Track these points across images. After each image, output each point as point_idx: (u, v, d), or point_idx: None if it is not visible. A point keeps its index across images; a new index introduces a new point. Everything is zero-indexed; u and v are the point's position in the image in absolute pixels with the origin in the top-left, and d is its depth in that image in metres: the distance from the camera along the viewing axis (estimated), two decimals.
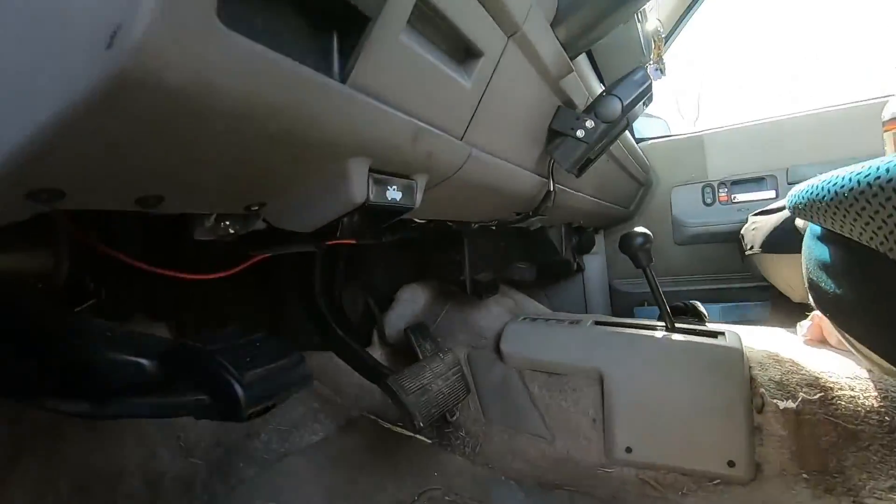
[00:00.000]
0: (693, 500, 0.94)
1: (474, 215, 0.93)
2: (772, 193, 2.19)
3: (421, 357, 1.12)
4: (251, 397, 0.34)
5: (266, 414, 0.39)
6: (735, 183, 2.30)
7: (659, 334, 1.12)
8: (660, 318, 1.28)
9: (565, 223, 1.68)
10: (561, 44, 0.70)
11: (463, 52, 0.54)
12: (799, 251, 1.37)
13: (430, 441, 1.18)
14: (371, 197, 0.48)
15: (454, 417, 1.16)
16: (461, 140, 0.59)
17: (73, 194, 0.33)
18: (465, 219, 0.93)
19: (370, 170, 0.48)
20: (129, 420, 0.79)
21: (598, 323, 1.24)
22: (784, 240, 1.38)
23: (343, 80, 0.37)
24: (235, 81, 0.28)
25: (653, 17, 1.22)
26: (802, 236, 1.31)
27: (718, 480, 0.97)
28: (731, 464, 0.96)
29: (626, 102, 0.81)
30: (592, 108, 0.83)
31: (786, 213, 1.43)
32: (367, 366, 0.97)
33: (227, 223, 0.48)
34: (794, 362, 1.06)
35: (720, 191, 2.32)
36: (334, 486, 0.93)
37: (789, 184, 2.16)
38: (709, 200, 2.35)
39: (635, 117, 0.88)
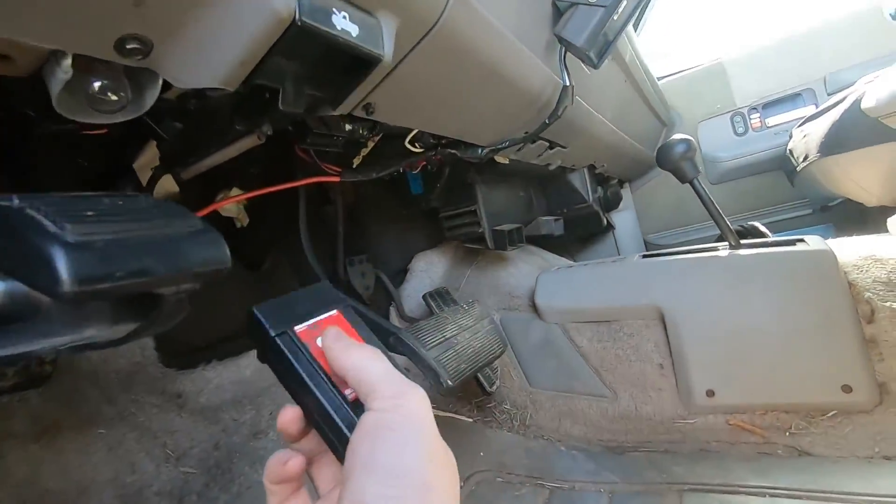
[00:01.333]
0: (808, 440, 0.75)
1: (480, 128, 0.76)
2: (811, 108, 1.96)
3: None
4: (81, 263, 0.18)
5: (155, 321, 0.23)
6: (767, 105, 2.08)
7: (724, 253, 0.93)
8: (719, 240, 1.09)
9: (587, 165, 1.49)
10: None
11: None
12: (869, 143, 1.16)
13: (470, 419, 1.01)
14: (304, 12, 0.32)
15: (494, 387, 0.99)
16: None
17: None
18: (471, 135, 0.76)
19: None
20: (96, 425, 0.64)
21: (645, 256, 1.05)
22: (850, 134, 1.18)
23: None
24: None
25: None
26: (873, 124, 1.11)
27: (834, 412, 0.77)
28: (846, 389, 0.76)
29: None
30: None
31: (844, 106, 1.22)
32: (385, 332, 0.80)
33: (104, 83, 0.32)
34: None
35: (751, 117, 2.11)
36: None
37: (829, 94, 1.93)
38: (740, 130, 2.13)
39: None
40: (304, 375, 0.28)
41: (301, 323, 0.29)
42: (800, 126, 1.60)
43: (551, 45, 0.74)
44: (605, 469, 0.81)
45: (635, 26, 2.15)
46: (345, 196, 1.11)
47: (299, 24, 0.32)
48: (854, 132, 1.17)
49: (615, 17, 0.70)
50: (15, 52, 0.29)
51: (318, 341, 0.29)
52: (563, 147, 1.11)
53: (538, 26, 0.70)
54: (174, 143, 0.59)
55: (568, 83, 0.76)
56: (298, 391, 0.28)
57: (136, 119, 0.53)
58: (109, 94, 0.32)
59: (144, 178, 0.70)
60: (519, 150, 0.98)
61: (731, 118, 2.13)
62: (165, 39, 0.31)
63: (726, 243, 1.00)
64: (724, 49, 2.21)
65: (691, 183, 1.00)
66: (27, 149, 0.55)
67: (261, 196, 0.94)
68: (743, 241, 0.97)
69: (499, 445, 0.91)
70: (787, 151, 1.63)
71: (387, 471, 0.23)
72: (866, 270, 0.84)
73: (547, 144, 1.05)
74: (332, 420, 0.27)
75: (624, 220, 2.32)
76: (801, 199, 1.94)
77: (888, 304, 0.78)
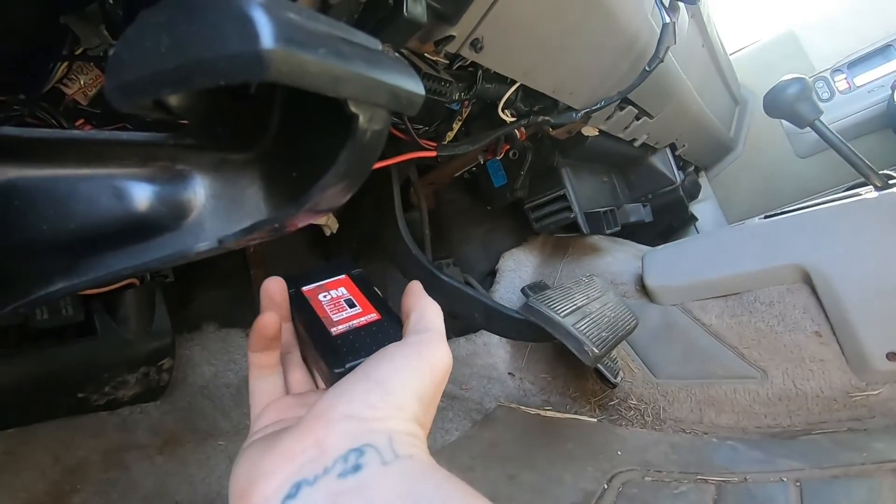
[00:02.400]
0: None
1: (573, 77, 0.70)
2: None
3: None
4: (284, 25, 0.13)
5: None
6: (853, 65, 1.90)
7: (873, 195, 0.80)
8: (853, 188, 0.96)
9: (668, 144, 1.40)
10: None
11: None
12: None
13: (594, 419, 0.90)
14: None
15: (619, 377, 0.88)
16: None
17: None
18: (566, 93, 0.70)
19: None
20: (215, 438, 0.60)
21: (768, 216, 0.93)
22: None
23: None
24: None
25: None
26: None
27: None
28: None
29: None
30: None
31: None
32: (503, 315, 0.71)
33: None
34: None
35: (835, 79, 1.93)
36: (491, 486, 0.68)
37: None
38: (825, 95, 1.95)
39: None
40: (305, 321, 0.33)
41: (310, 284, 0.35)
42: None
43: None
44: (779, 456, 0.68)
45: None
46: (427, 201, 1.07)
47: None
48: None
49: None
50: None
51: (320, 297, 0.34)
52: (650, 117, 1.03)
53: None
54: None
55: (668, 20, 0.69)
56: (304, 335, 0.33)
57: None
58: None
59: None
60: (609, 118, 0.91)
61: (814, 84, 1.96)
62: None
63: (867, 188, 0.87)
64: (790, 17, 2.07)
65: (812, 126, 0.89)
66: None
67: (350, 200, 0.92)
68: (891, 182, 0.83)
69: (636, 443, 0.80)
70: (894, 102, 1.46)
71: (378, 379, 0.25)
72: None
73: (635, 112, 0.97)
74: (326, 349, 0.30)
75: (705, 210, 2.16)
76: None
77: None
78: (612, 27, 0.63)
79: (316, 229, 0.92)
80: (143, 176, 0.23)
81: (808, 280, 0.80)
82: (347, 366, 0.29)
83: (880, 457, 0.60)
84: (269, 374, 0.31)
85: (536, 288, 0.99)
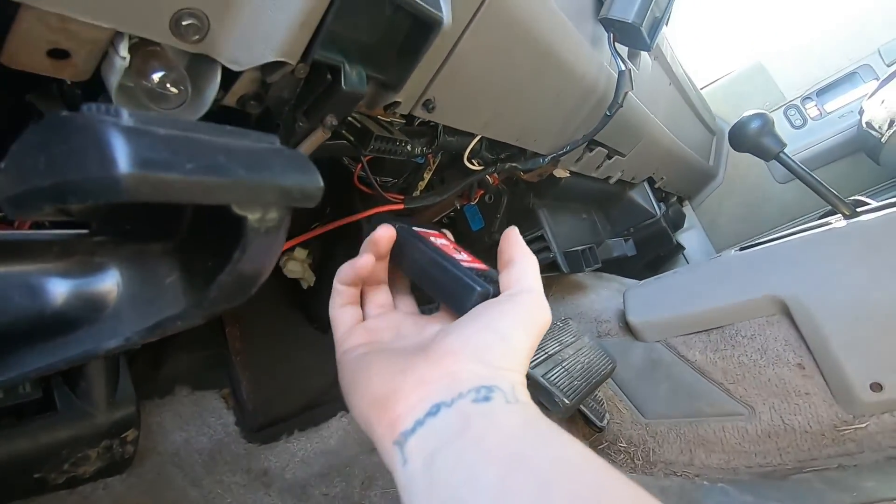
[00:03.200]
0: None
1: (539, 131, 0.72)
2: (873, 85, 1.83)
3: None
4: (141, 145, 0.13)
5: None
6: (821, 92, 1.96)
7: (842, 224, 0.81)
8: (823, 217, 0.97)
9: (646, 178, 1.41)
10: None
11: None
12: None
13: None
14: None
15: (605, 420, 0.86)
16: None
17: None
18: (529, 140, 0.72)
19: None
20: None
21: (743, 248, 0.94)
22: None
23: None
24: None
25: None
26: None
27: None
28: None
29: None
30: None
31: None
32: None
33: (162, 75, 0.30)
34: None
35: (806, 107, 1.98)
36: None
37: (889, 64, 1.81)
38: (798, 122, 2.00)
39: None
40: (429, 250, 0.36)
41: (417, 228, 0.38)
42: (870, 97, 1.48)
43: (598, 35, 0.71)
44: (770, 499, 0.66)
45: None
46: None
47: None
48: None
49: None
50: (72, 44, 0.27)
51: (431, 238, 0.38)
52: (622, 155, 1.05)
53: (583, 15, 0.67)
54: None
55: (624, 67, 0.71)
56: (425, 265, 0.36)
57: None
58: (169, 86, 0.30)
59: None
60: (578, 160, 0.93)
61: (785, 112, 2.01)
62: (221, 12, 0.29)
63: (836, 216, 0.88)
64: (758, 49, 2.15)
65: (777, 158, 0.91)
66: None
67: (326, 254, 0.92)
68: (859, 209, 0.84)
69: None
70: (864, 126, 1.50)
71: (506, 333, 0.28)
72: None
73: (605, 153, 0.99)
74: (465, 273, 0.33)
75: (691, 239, 2.17)
76: (892, 177, 1.76)
77: None
78: (567, 76, 0.65)
79: (293, 283, 0.91)
80: (59, 271, 0.23)
81: (786, 311, 0.80)
82: (493, 291, 0.33)
83: (869, 497, 0.58)
84: (352, 304, 0.36)
85: None
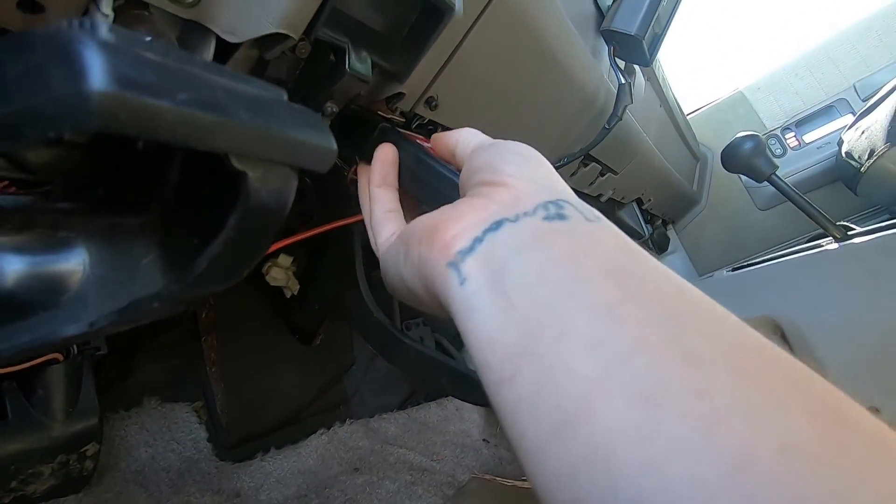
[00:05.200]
0: None
1: (533, 133, 0.70)
2: (849, 118, 1.89)
3: None
4: (120, 63, 0.10)
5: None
6: (800, 123, 2.02)
7: (834, 247, 0.81)
8: (812, 239, 0.97)
9: (635, 199, 1.42)
10: None
11: None
12: None
13: None
14: None
15: None
16: None
17: None
18: (522, 139, 0.70)
19: None
20: None
21: (735, 269, 0.93)
22: None
23: None
24: None
25: None
26: None
27: None
28: None
29: None
30: None
31: None
32: (470, 380, 0.68)
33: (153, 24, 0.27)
34: None
35: (786, 137, 2.04)
36: None
37: (864, 99, 1.87)
38: (778, 152, 2.05)
39: None
40: (416, 150, 0.35)
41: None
42: (849, 128, 1.52)
43: (598, 48, 0.70)
44: None
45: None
46: None
47: None
48: None
49: (663, 4, 0.66)
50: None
51: (419, 141, 0.37)
52: (615, 173, 1.05)
53: (584, 26, 0.66)
54: None
55: (624, 81, 0.71)
56: (413, 167, 0.35)
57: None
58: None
59: None
60: (573, 174, 0.92)
61: (766, 140, 2.06)
62: None
63: (827, 239, 0.88)
64: (741, 79, 2.21)
65: (769, 179, 0.91)
66: None
67: (311, 261, 0.88)
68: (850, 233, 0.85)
69: None
70: (843, 156, 1.53)
71: (514, 149, 0.25)
72: None
73: (599, 169, 0.99)
74: (449, 179, 0.31)
75: (675, 262, 2.19)
76: (871, 206, 1.81)
77: None
78: (569, 84, 0.64)
79: (276, 291, 0.87)
80: (15, 246, 0.20)
81: (781, 332, 0.79)
82: None
83: None
84: (394, 214, 0.33)
85: None
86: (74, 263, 0.20)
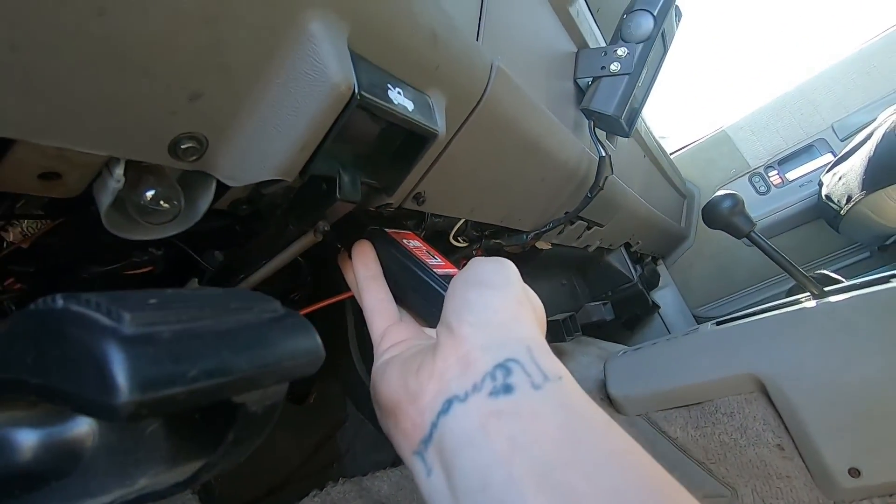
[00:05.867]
0: None
1: (524, 211, 0.73)
2: (829, 157, 1.96)
3: None
4: (143, 361, 0.13)
5: (231, 434, 0.17)
6: (782, 161, 2.08)
7: (812, 304, 0.83)
8: (791, 293, 1.00)
9: (623, 244, 1.45)
10: None
11: None
12: None
13: None
14: (364, 86, 0.30)
15: None
16: (477, 40, 0.43)
17: None
18: (514, 220, 0.73)
19: (352, 52, 0.31)
20: None
21: (719, 323, 0.95)
22: (894, 163, 1.13)
23: None
24: None
25: None
26: None
27: None
28: None
29: (655, 12, 0.66)
30: (618, 34, 0.68)
31: (875, 140, 1.20)
32: None
33: (155, 193, 0.30)
34: None
35: (769, 175, 2.10)
36: None
37: (843, 140, 1.93)
38: (762, 189, 2.11)
39: (671, 35, 0.72)
40: (402, 257, 0.38)
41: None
42: (828, 171, 1.57)
43: (579, 121, 0.74)
44: None
45: None
46: None
47: (359, 97, 0.30)
48: None
49: (639, 84, 0.70)
50: (65, 167, 0.27)
51: (404, 241, 0.40)
52: (601, 226, 1.08)
53: (565, 103, 0.70)
54: (219, 270, 0.57)
55: (604, 153, 0.74)
56: (397, 272, 0.37)
57: (178, 255, 0.50)
58: (162, 202, 0.30)
59: None
60: (560, 233, 0.95)
61: (750, 179, 2.12)
62: (221, 134, 0.29)
63: (805, 294, 0.91)
64: (724, 118, 2.28)
65: (748, 237, 0.94)
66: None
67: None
68: (825, 289, 0.88)
69: None
70: (823, 198, 1.58)
71: (485, 282, 0.27)
72: None
73: (585, 224, 1.02)
74: (431, 287, 0.35)
75: (666, 297, 2.22)
76: (852, 244, 1.85)
77: None
78: (551, 164, 0.67)
79: None
80: (31, 419, 0.22)
81: (763, 390, 0.81)
82: None
83: None
84: (384, 303, 0.35)
85: None
86: (85, 431, 0.22)
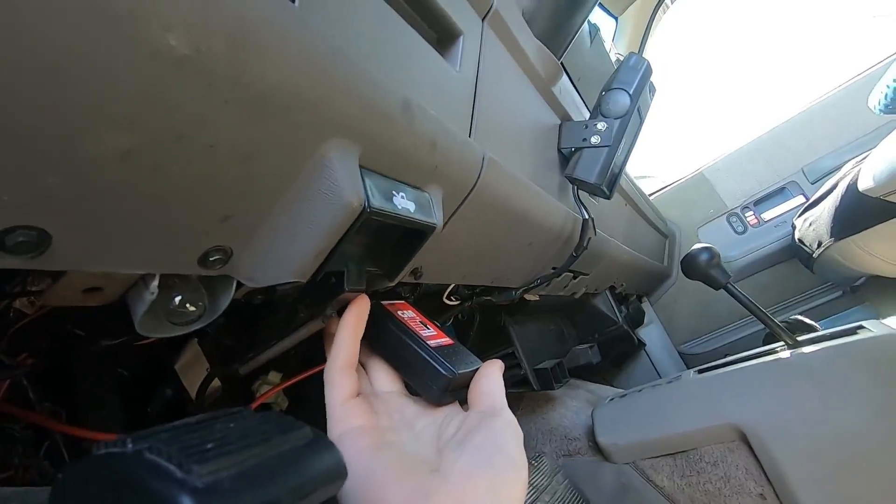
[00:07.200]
0: None
1: (513, 272, 0.77)
2: (801, 199, 2.05)
3: None
4: None
5: None
6: (758, 202, 2.17)
7: (786, 354, 0.88)
8: (766, 341, 1.05)
9: (608, 287, 1.50)
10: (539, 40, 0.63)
11: (439, 31, 0.45)
12: (882, 218, 1.18)
13: None
14: (372, 200, 0.34)
15: None
16: (469, 137, 0.47)
17: None
18: (504, 280, 0.77)
19: (362, 168, 0.35)
20: None
21: (700, 371, 0.99)
22: (858, 214, 1.20)
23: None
24: None
25: (613, 53, 1.23)
26: (878, 201, 1.13)
27: None
28: None
29: (631, 91, 0.72)
30: (598, 110, 0.73)
31: (840, 191, 1.27)
32: None
33: (182, 297, 0.33)
34: None
35: (746, 215, 2.19)
36: None
37: (813, 183, 2.03)
38: (739, 229, 2.20)
39: (646, 109, 0.78)
40: (398, 330, 0.40)
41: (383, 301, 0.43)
42: (799, 216, 1.65)
43: (563, 186, 0.79)
44: None
45: None
46: None
47: (368, 211, 0.33)
48: (860, 213, 1.20)
49: (618, 153, 0.75)
50: (107, 283, 0.30)
51: (399, 313, 0.42)
52: (586, 275, 1.13)
53: (550, 172, 0.75)
54: (220, 339, 0.59)
55: (587, 216, 0.79)
56: (395, 345, 0.40)
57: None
58: (188, 305, 0.33)
59: (187, 379, 0.68)
60: (547, 285, 0.99)
61: (728, 219, 2.21)
62: (245, 245, 0.33)
63: (780, 343, 0.96)
64: (703, 160, 2.38)
65: (725, 288, 0.99)
66: (70, 365, 0.55)
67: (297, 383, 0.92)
68: (799, 339, 0.92)
69: None
70: (797, 241, 1.66)
71: (487, 445, 0.32)
72: None
73: (571, 275, 1.06)
74: (426, 361, 0.38)
75: (652, 334, 2.26)
76: (825, 283, 1.92)
77: None
78: (538, 230, 0.71)
79: (265, 405, 0.90)
80: None
81: (745, 439, 0.84)
82: (459, 372, 0.38)
83: None
84: (351, 371, 0.38)
85: None
86: None
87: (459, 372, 0.39)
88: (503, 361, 1.07)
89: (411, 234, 0.42)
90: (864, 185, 1.11)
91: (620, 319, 1.45)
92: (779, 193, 2.13)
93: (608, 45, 1.40)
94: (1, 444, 0.46)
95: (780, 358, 0.87)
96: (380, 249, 0.43)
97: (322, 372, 0.68)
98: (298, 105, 0.28)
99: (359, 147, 0.34)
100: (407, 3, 0.40)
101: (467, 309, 1.04)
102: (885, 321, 0.88)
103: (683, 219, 2.35)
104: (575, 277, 1.10)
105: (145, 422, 0.72)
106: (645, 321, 2.24)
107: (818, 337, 0.91)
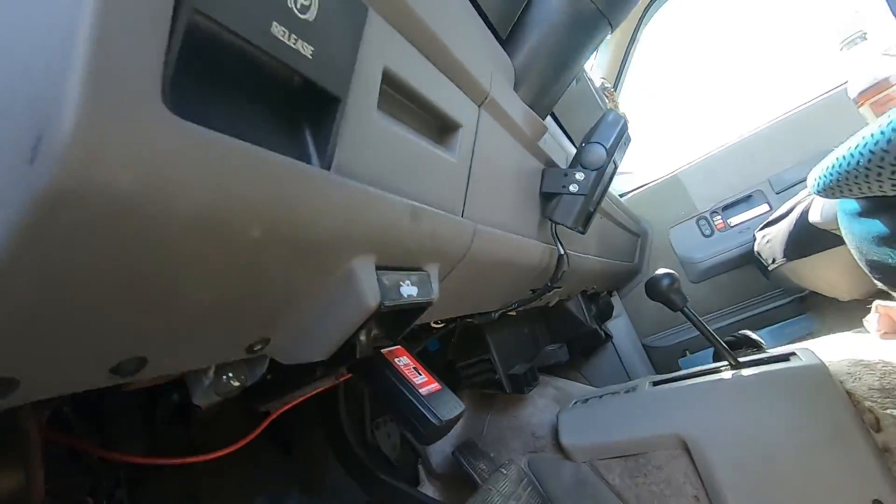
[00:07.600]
0: None
1: (494, 300, 0.86)
2: (765, 207, 2.18)
3: (479, 481, 0.97)
4: None
5: None
6: (726, 208, 2.29)
7: (727, 375, 1.00)
8: (716, 358, 1.17)
9: (580, 291, 1.61)
10: (528, 105, 0.70)
11: (441, 127, 0.51)
12: (827, 247, 1.30)
13: None
14: (386, 301, 0.41)
15: None
16: (462, 216, 0.55)
17: (29, 380, 0.26)
18: (485, 308, 0.86)
19: (377, 268, 0.42)
20: None
21: (655, 383, 1.11)
22: (807, 241, 1.32)
23: (326, 167, 0.32)
24: (199, 175, 0.22)
25: (597, 77, 1.29)
26: (824, 231, 1.25)
27: None
28: None
29: (608, 146, 0.80)
30: (577, 161, 0.81)
31: (794, 216, 1.39)
32: None
33: (230, 375, 0.40)
34: (886, 362, 0.93)
35: (714, 219, 2.31)
36: None
37: (778, 193, 2.16)
38: (707, 232, 2.32)
39: (621, 158, 0.86)
40: (392, 377, 0.47)
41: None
42: (760, 230, 1.77)
43: (542, 223, 0.87)
44: None
45: None
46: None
47: (383, 308, 0.41)
48: (809, 240, 1.32)
49: (594, 198, 0.83)
50: (175, 372, 0.37)
51: (396, 360, 0.47)
52: (559, 287, 1.22)
53: (530, 212, 0.83)
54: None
55: (562, 252, 0.88)
56: (390, 391, 0.46)
57: None
58: (234, 381, 0.40)
59: None
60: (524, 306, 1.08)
61: (697, 222, 2.33)
62: (281, 335, 0.40)
63: (725, 363, 1.08)
64: (679, 162, 2.48)
65: (682, 311, 1.10)
66: (110, 413, 0.62)
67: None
68: (741, 359, 1.04)
69: None
70: (756, 253, 1.78)
71: None
72: (859, 378, 0.91)
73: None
74: (416, 408, 0.45)
75: (619, 327, 2.40)
76: (778, 289, 2.07)
77: (888, 411, 0.84)
78: (518, 269, 0.80)
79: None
80: None
81: (686, 448, 0.96)
82: (444, 420, 0.44)
83: None
84: None
85: (465, 449, 1.09)
86: None
87: (445, 420, 0.48)
88: (480, 366, 1.17)
89: (413, 310, 0.50)
90: (813, 217, 1.22)
91: (589, 320, 1.57)
92: (745, 201, 2.25)
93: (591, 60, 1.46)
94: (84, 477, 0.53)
95: (722, 378, 0.99)
96: (385, 318, 0.51)
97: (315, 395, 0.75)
98: (333, 245, 0.35)
99: (375, 255, 0.41)
100: (418, 113, 0.47)
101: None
102: (815, 349, 1.01)
103: (656, 218, 2.46)
104: (549, 290, 1.19)
105: (153, 425, 0.79)
106: (613, 314, 2.38)
107: (756, 360, 1.03)
